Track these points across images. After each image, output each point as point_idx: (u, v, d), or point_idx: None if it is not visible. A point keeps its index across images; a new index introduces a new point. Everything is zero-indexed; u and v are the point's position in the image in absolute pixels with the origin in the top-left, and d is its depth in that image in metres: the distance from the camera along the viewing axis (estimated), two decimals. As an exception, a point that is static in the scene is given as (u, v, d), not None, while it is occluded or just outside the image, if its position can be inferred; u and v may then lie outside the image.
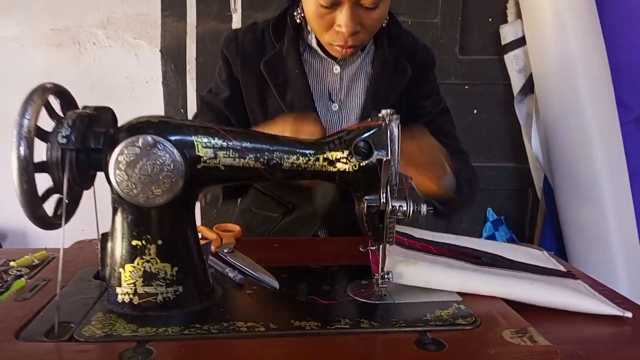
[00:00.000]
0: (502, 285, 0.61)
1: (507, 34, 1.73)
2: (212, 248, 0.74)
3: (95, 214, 0.60)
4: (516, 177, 1.90)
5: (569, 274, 0.71)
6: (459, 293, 0.61)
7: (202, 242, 0.70)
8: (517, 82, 1.75)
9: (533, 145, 1.72)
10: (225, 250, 0.72)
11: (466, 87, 1.83)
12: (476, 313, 0.56)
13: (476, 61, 1.80)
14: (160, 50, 1.67)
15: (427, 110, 0.99)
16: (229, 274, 0.65)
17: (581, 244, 1.55)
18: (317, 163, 0.56)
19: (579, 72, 1.54)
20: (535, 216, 1.91)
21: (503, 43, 1.75)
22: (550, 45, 1.57)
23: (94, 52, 1.64)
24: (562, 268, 0.74)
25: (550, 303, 0.61)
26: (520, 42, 1.72)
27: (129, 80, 1.66)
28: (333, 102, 0.94)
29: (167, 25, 1.66)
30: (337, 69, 0.93)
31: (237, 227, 0.84)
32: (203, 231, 0.81)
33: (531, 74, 1.69)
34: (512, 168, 1.89)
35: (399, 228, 0.71)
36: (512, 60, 1.74)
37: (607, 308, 0.60)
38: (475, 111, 1.85)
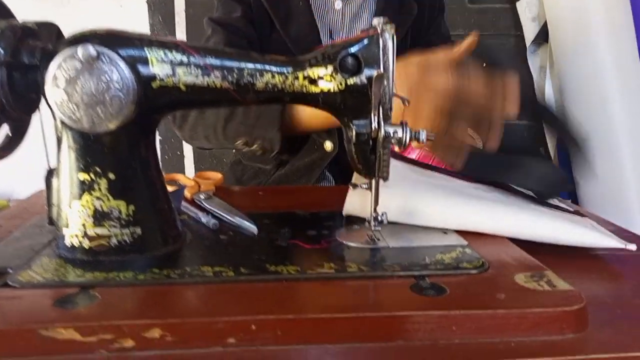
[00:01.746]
0: (505, 216, 0.54)
1: (520, -22, 1.61)
2: (188, 194, 0.66)
3: (45, 147, 0.52)
4: (527, 135, 1.79)
5: (577, 213, 0.63)
6: (465, 237, 0.53)
7: (174, 188, 0.63)
8: (530, 32, 1.63)
9: (546, 99, 1.61)
10: (202, 197, 0.65)
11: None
12: (484, 257, 0.48)
13: (486, 10, 1.68)
14: (146, 1, 1.56)
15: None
16: (202, 219, 0.58)
17: (597, 199, 1.46)
18: (296, 82, 0.47)
19: (597, 18, 1.42)
20: (547, 176, 1.82)
21: (516, -11, 1.63)
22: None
23: (77, 3, 1.54)
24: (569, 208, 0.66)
25: (552, 237, 0.54)
26: (535, -13, 1.59)
27: (115, 34, 1.56)
28: (334, 40, 0.88)
29: (153, -27, 1.55)
30: (338, 4, 0.87)
31: (218, 175, 0.76)
32: (180, 178, 0.73)
33: (546, 21, 1.57)
34: (523, 126, 1.79)
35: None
36: (525, 8, 1.61)
37: (610, 241, 0.52)
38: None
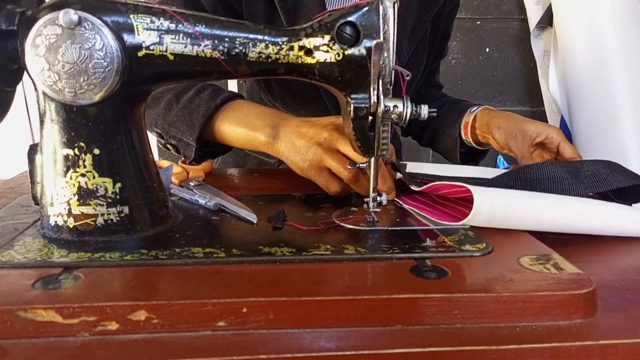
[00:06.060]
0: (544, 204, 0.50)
1: (525, -40, 1.57)
2: (176, 182, 0.63)
3: (29, 121, 0.50)
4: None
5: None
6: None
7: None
8: (534, 16, 1.59)
9: (550, 85, 1.57)
10: (192, 184, 0.61)
11: (478, 22, 1.67)
12: (488, 239, 0.46)
13: (489, -8, 1.64)
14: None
15: (441, 52, 0.95)
16: (200, 200, 0.55)
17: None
18: (291, 53, 0.45)
19: (602, 1, 1.38)
20: (549, 164, 1.79)
21: (520, -29, 1.59)
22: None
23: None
24: None
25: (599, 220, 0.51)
26: (539, -31, 1.55)
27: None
28: None
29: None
30: None
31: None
32: (162, 165, 0.69)
33: (550, 5, 1.53)
34: (525, 112, 1.76)
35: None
36: (530, -10, 1.57)
37: None
38: (487, 49, 1.71)
